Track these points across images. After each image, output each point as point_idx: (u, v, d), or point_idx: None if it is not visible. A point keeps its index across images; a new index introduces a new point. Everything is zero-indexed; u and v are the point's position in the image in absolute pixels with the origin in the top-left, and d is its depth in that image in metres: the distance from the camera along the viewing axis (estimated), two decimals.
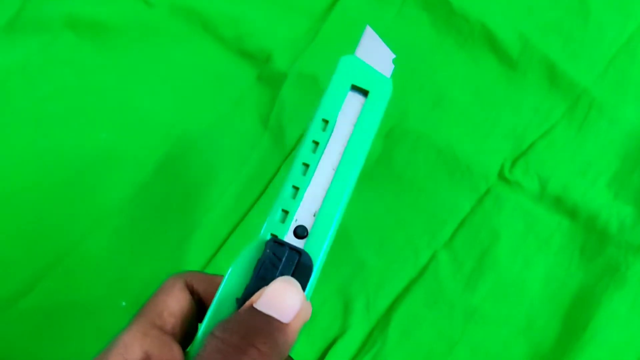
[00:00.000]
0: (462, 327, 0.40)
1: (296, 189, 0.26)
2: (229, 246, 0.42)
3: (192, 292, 0.26)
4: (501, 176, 0.45)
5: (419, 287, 0.41)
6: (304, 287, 0.24)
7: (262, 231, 0.25)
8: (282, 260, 0.24)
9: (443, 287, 0.41)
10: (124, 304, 0.40)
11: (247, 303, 0.23)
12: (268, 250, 0.24)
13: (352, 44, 0.49)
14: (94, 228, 0.42)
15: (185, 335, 0.25)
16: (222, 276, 0.25)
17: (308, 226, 0.25)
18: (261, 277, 0.24)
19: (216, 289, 0.25)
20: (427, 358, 0.39)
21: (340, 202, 0.25)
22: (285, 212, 0.25)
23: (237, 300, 0.24)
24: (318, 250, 0.25)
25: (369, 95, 0.27)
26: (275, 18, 0.50)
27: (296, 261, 0.24)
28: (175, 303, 0.25)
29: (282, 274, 0.24)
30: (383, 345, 0.39)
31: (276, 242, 0.24)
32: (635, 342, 0.39)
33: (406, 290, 0.41)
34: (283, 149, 0.45)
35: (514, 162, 0.46)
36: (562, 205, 0.44)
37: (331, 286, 0.41)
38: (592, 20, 0.51)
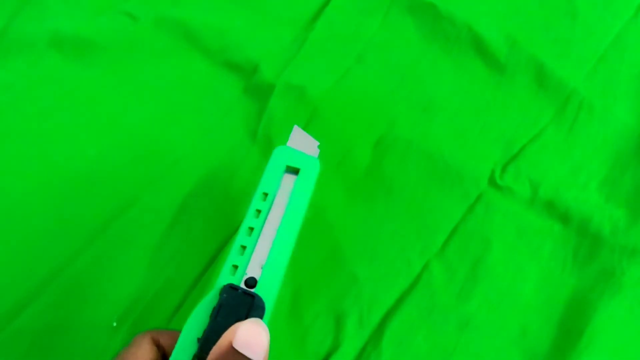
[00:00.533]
0: (456, 337, 0.40)
1: (243, 247, 0.31)
2: (219, 262, 0.41)
3: (158, 347, 0.29)
4: (492, 182, 0.45)
5: (412, 299, 0.41)
6: None
7: (215, 285, 0.29)
8: (237, 303, 0.28)
9: (436, 297, 0.41)
10: (114, 324, 0.40)
11: (224, 341, 0.25)
12: (225, 295, 0.28)
13: (339, 53, 0.49)
14: (84, 247, 0.42)
15: None
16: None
17: (257, 276, 0.29)
18: (219, 318, 0.27)
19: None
20: None
21: (284, 255, 0.30)
22: (235, 267, 0.30)
23: (198, 339, 0.27)
24: (268, 294, 0.29)
25: (300, 171, 0.33)
26: (261, 29, 0.50)
27: (250, 303, 0.28)
28: (144, 356, 0.28)
29: (237, 315, 0.27)
30: (377, 359, 0.39)
31: (231, 287, 0.28)
32: (632, 347, 0.39)
33: (399, 302, 0.41)
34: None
35: (504, 167, 0.45)
36: (553, 210, 0.44)
37: (323, 301, 0.41)
38: (580, 19, 0.51)
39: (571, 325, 0.40)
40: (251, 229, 0.31)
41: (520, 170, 0.45)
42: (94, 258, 0.41)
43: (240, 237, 0.31)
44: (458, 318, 0.40)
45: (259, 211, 0.31)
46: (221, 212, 0.44)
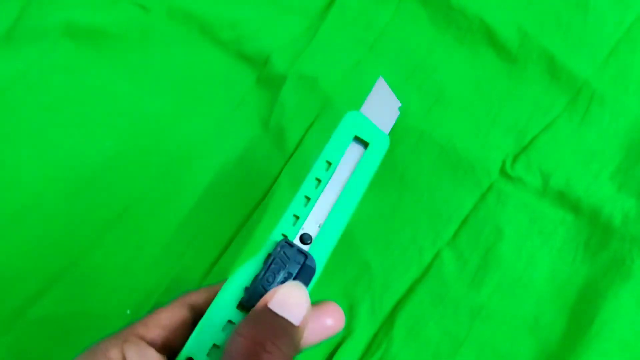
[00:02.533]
0: (468, 326, 0.40)
1: (308, 198, 0.30)
2: (233, 250, 0.42)
3: (194, 309, 0.28)
4: (503, 172, 0.45)
5: (424, 287, 0.41)
6: (306, 287, 0.27)
7: (274, 232, 0.29)
8: (290, 258, 0.27)
9: (448, 285, 0.41)
10: (128, 312, 0.40)
11: (262, 302, 0.25)
12: (279, 249, 0.27)
13: (351, 43, 0.49)
14: (100, 237, 0.42)
15: (170, 347, 0.27)
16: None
17: (313, 235, 0.29)
18: (271, 270, 0.27)
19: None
20: (433, 358, 0.39)
21: (343, 218, 0.29)
22: (296, 217, 0.29)
23: (246, 289, 0.27)
24: (321, 256, 0.28)
25: (369, 146, 0.31)
26: (273, 19, 0.50)
27: (302, 262, 0.27)
28: (168, 317, 0.27)
29: (289, 271, 0.27)
30: (389, 346, 0.39)
31: (287, 243, 0.28)
32: None
33: (411, 290, 0.41)
34: (284, 151, 0.45)
35: (515, 158, 0.45)
36: (565, 200, 0.44)
37: (336, 289, 0.41)
38: (591, 11, 0.51)
39: (582, 314, 0.40)
40: (318, 180, 0.30)
41: (531, 160, 0.45)
42: (110, 248, 0.42)
43: (306, 188, 0.30)
44: (469, 306, 0.40)
45: (318, 180, 0.30)
46: (234, 202, 0.44)
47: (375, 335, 0.40)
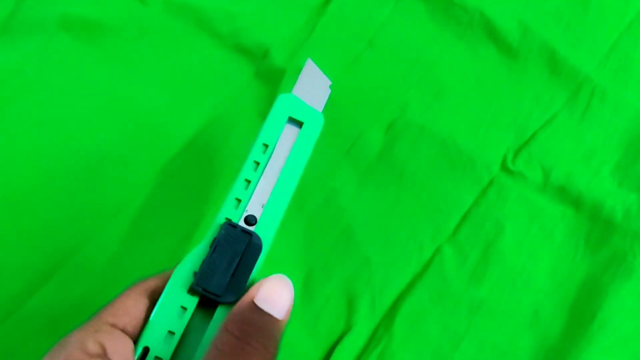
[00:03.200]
0: (468, 321, 0.40)
1: (248, 182, 0.30)
2: None
3: (154, 295, 0.28)
4: (504, 167, 0.45)
5: (424, 282, 0.41)
6: (253, 267, 0.28)
7: (217, 216, 0.29)
8: (235, 239, 0.28)
9: (448, 281, 0.41)
10: None
11: (247, 298, 0.26)
12: (223, 231, 0.28)
13: (350, 37, 0.49)
14: (96, 230, 0.42)
15: (138, 334, 0.27)
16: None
17: (257, 215, 0.29)
18: (217, 252, 0.27)
19: None
20: (433, 353, 0.39)
21: (285, 197, 0.30)
22: (238, 200, 0.30)
23: (195, 273, 0.28)
24: (266, 234, 0.29)
25: (304, 125, 0.32)
26: (272, 12, 0.50)
27: (247, 241, 0.28)
28: (132, 304, 0.27)
29: (235, 250, 0.28)
30: (389, 341, 0.39)
31: (230, 224, 0.28)
32: None
33: (411, 285, 0.41)
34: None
35: (516, 153, 0.45)
36: (566, 195, 0.43)
37: (335, 283, 0.41)
38: (592, 6, 0.50)
39: (583, 310, 0.40)
40: (257, 163, 0.31)
41: (532, 155, 0.45)
42: (107, 240, 0.41)
43: (246, 172, 0.30)
44: (470, 302, 0.40)
45: (257, 163, 0.31)
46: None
47: (375, 331, 0.40)
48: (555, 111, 0.47)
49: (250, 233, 0.28)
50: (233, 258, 0.27)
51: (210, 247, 0.28)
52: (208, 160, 0.44)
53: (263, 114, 0.46)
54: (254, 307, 0.25)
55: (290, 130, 0.32)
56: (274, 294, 0.26)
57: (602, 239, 0.42)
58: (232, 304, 0.27)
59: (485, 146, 0.45)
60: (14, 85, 0.46)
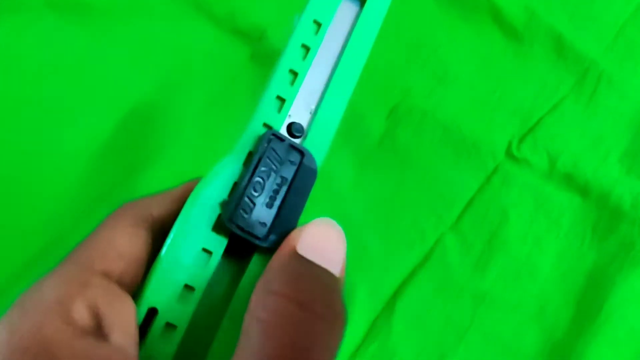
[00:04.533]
0: (472, 313, 0.38)
1: (294, 73, 0.22)
2: None
3: (154, 227, 0.20)
4: (509, 153, 0.43)
5: (426, 272, 0.39)
6: (305, 199, 0.21)
7: (252, 120, 0.21)
8: (281, 158, 0.20)
9: (451, 271, 0.39)
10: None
11: (286, 247, 0.18)
12: (265, 144, 0.20)
13: None
14: (86, 215, 0.40)
15: (136, 285, 0.19)
16: (192, 182, 0.21)
17: (304, 124, 0.22)
18: (258, 175, 0.20)
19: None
20: (436, 346, 0.38)
21: (341, 100, 0.22)
22: (282, 99, 0.21)
23: (224, 203, 0.20)
24: (317, 153, 0.21)
25: (367, 3, 0.24)
26: None
27: (299, 162, 0.21)
28: (125, 241, 0.19)
29: (281, 175, 0.20)
30: (388, 334, 0.38)
31: (275, 136, 0.20)
32: None
33: (412, 275, 0.39)
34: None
35: (521, 139, 0.44)
36: (572, 183, 0.42)
37: None
38: None
39: (590, 300, 0.39)
40: (306, 47, 0.22)
41: (537, 141, 0.44)
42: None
43: (290, 58, 0.22)
44: (473, 293, 0.39)
45: (306, 48, 0.22)
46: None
47: (374, 322, 0.38)
48: (562, 96, 0.46)
49: (301, 151, 0.21)
50: (279, 186, 0.20)
51: (246, 165, 0.20)
52: (202, 145, 0.43)
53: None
54: (300, 260, 0.18)
55: (348, 7, 0.24)
56: (322, 240, 0.19)
57: (610, 228, 0.41)
58: (271, 251, 0.19)
59: (490, 132, 0.44)
60: None
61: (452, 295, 0.39)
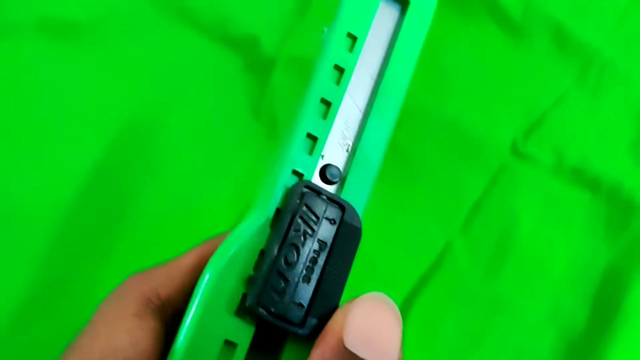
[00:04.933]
0: (486, 318, 0.37)
1: (327, 103, 0.18)
2: None
3: (161, 306, 0.17)
4: (514, 151, 0.42)
5: (436, 280, 0.38)
6: (349, 267, 0.17)
7: (280, 166, 0.17)
8: (317, 216, 0.16)
9: (462, 276, 0.38)
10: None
11: (332, 336, 0.15)
12: (296, 200, 0.16)
13: None
14: (91, 247, 0.39)
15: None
16: (205, 247, 0.17)
17: (340, 166, 0.18)
18: (290, 241, 0.16)
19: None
20: (450, 354, 0.37)
21: (384, 132, 0.18)
22: (313, 138, 0.17)
23: (250, 279, 0.16)
24: (357, 202, 0.17)
25: (410, 5, 0.20)
26: None
27: (339, 220, 0.17)
28: (126, 341, 0.16)
29: (319, 239, 0.16)
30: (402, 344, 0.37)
31: (309, 188, 0.16)
32: None
33: (421, 284, 0.38)
34: (278, 141, 0.42)
35: (526, 135, 0.43)
36: (581, 177, 0.41)
37: None
38: None
39: (606, 298, 0.38)
40: (327, 103, 0.18)
41: (543, 137, 0.43)
42: (87, 254, 0.39)
43: (321, 85, 0.18)
44: (486, 298, 0.38)
45: (340, 70, 0.18)
46: (225, 198, 0.41)
47: None
48: (565, 89, 0.45)
49: (341, 205, 0.17)
50: (318, 253, 0.17)
51: (274, 227, 0.16)
52: (198, 159, 0.42)
53: (255, 107, 0.43)
54: (352, 357, 0.15)
55: (388, 13, 0.20)
56: (376, 326, 0.15)
57: (623, 223, 0.40)
58: (309, 339, 0.16)
59: (494, 130, 0.43)
60: None
61: (464, 302, 0.38)
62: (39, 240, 0.38)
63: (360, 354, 0.15)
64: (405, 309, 0.38)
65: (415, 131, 0.43)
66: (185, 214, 0.40)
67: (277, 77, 0.44)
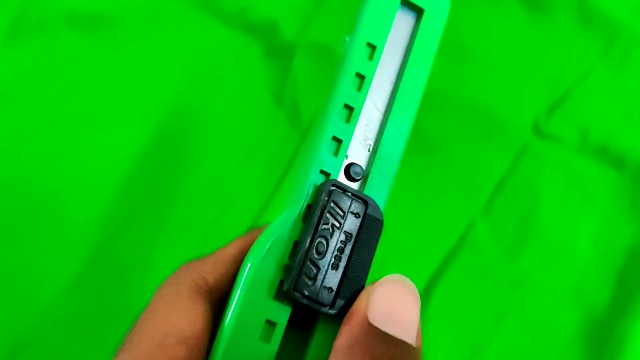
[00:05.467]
0: (508, 298, 0.38)
1: (350, 108, 0.20)
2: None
3: (209, 291, 0.19)
4: (537, 129, 0.42)
5: (459, 260, 0.39)
6: (372, 255, 0.19)
7: (309, 167, 0.19)
8: (344, 211, 0.19)
9: (485, 256, 0.39)
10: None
11: (357, 316, 0.17)
12: (324, 197, 0.18)
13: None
14: (121, 230, 0.41)
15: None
16: (245, 239, 0.20)
17: (363, 165, 0.20)
18: (320, 234, 0.18)
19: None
20: (474, 334, 0.37)
21: (403, 131, 0.20)
22: (338, 140, 0.19)
23: (286, 267, 0.18)
24: (379, 197, 0.19)
25: (424, 14, 0.21)
26: None
27: (363, 214, 0.19)
28: (184, 321, 0.18)
29: (346, 231, 0.18)
30: (425, 325, 0.37)
31: (336, 186, 0.19)
32: None
33: (445, 264, 0.39)
34: (300, 127, 0.42)
35: (549, 113, 0.42)
36: (606, 155, 0.41)
37: None
38: None
39: (630, 279, 0.38)
40: (349, 108, 0.20)
41: (567, 114, 0.42)
42: (131, 241, 0.40)
43: (345, 92, 0.20)
44: (509, 278, 0.38)
45: (361, 77, 0.20)
46: (251, 185, 0.42)
47: None
48: (590, 64, 0.44)
49: (365, 200, 0.19)
50: (345, 243, 0.19)
51: (306, 221, 0.19)
52: (223, 147, 0.43)
53: (277, 94, 0.44)
54: (372, 330, 0.16)
55: (404, 21, 0.21)
56: (397, 305, 0.17)
57: None
58: (338, 317, 0.18)
59: (516, 109, 0.42)
60: (25, 89, 0.44)
61: (487, 282, 0.38)
62: (89, 227, 0.40)
63: (383, 328, 0.16)
64: (429, 288, 0.39)
65: (437, 112, 0.43)
66: (214, 198, 0.41)
67: (298, 63, 0.44)
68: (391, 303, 0.17)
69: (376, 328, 0.16)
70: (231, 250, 0.21)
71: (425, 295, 0.38)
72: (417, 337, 0.17)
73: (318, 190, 0.19)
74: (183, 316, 0.18)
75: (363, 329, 0.16)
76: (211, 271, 0.20)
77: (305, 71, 0.44)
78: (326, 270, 0.18)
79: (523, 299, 0.38)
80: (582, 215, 0.40)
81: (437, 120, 0.43)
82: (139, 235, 0.41)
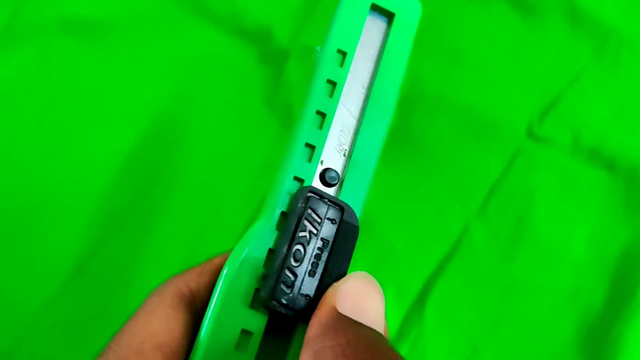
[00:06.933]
0: (504, 302, 0.38)
1: (322, 114, 0.20)
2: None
3: (191, 298, 0.20)
4: (530, 133, 0.42)
5: (454, 264, 0.39)
6: (348, 262, 0.19)
7: (282, 174, 0.19)
8: (320, 217, 0.18)
9: (479, 260, 0.39)
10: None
11: (326, 307, 0.17)
12: (301, 204, 0.18)
13: None
14: (108, 235, 0.41)
15: None
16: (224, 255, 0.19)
17: (339, 170, 0.20)
18: (298, 242, 0.18)
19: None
20: (470, 338, 0.37)
21: (378, 136, 0.20)
22: (311, 147, 0.20)
23: (262, 276, 0.18)
24: (355, 202, 0.19)
25: (395, 18, 0.21)
26: None
27: (339, 220, 0.19)
28: (162, 328, 0.18)
29: (322, 238, 0.18)
30: (420, 330, 0.37)
31: (312, 192, 0.18)
32: None
33: (440, 268, 0.39)
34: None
35: (542, 116, 0.42)
36: (599, 158, 0.41)
37: None
38: None
39: (625, 280, 0.38)
40: (333, 83, 0.20)
41: (559, 117, 0.42)
42: (118, 248, 0.40)
43: (316, 98, 0.20)
44: (504, 281, 0.38)
45: (332, 83, 0.20)
46: (243, 189, 0.42)
47: (405, 319, 0.38)
48: (581, 67, 0.44)
49: (341, 206, 0.19)
50: (321, 250, 0.18)
51: (282, 229, 0.18)
52: (215, 150, 0.43)
53: (270, 98, 0.44)
54: (341, 318, 0.17)
55: (375, 26, 0.21)
56: (362, 297, 0.18)
57: None
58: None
59: (509, 112, 0.43)
60: (17, 93, 0.44)
61: (482, 285, 0.38)
62: (75, 234, 0.40)
63: (351, 315, 0.17)
64: (424, 293, 0.39)
65: (429, 116, 0.43)
66: (205, 202, 0.41)
67: (291, 68, 0.44)
68: (357, 294, 0.18)
69: (343, 315, 0.17)
70: (219, 260, 0.21)
71: (421, 300, 0.38)
72: (384, 328, 0.18)
73: (295, 197, 0.19)
74: (162, 323, 0.18)
75: (333, 317, 0.17)
76: (196, 279, 0.20)
77: (298, 75, 0.44)
78: (303, 278, 0.18)
79: (518, 302, 0.38)
80: (577, 217, 0.40)
81: (430, 125, 0.43)
82: (125, 242, 0.41)
